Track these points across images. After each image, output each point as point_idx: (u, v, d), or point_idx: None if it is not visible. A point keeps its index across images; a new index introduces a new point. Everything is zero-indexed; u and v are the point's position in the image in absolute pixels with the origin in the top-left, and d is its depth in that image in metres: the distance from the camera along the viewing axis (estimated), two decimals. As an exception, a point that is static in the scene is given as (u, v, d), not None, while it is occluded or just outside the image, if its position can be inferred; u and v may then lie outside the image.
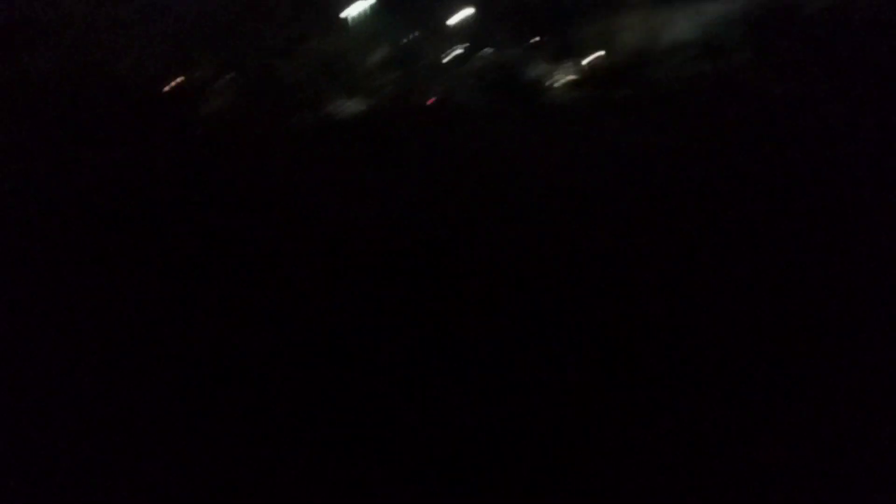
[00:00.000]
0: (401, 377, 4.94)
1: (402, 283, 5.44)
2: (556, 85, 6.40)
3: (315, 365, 5.01)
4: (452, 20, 5.97)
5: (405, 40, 6.02)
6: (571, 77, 6.38)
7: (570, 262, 5.58)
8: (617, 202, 6.00)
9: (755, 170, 5.98)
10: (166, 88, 5.71)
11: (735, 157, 6.03)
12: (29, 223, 5.69)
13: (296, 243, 5.63)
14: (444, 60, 6.09)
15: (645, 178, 6.08)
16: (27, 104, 5.64)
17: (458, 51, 6.13)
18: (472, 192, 6.19)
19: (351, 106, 6.38)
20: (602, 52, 6.34)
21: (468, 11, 6.09)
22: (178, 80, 5.62)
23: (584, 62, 6.29)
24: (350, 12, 5.82)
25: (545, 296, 5.38)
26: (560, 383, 4.82)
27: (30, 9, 5.53)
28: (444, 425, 4.64)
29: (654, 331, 5.02)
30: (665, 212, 5.81)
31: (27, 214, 5.66)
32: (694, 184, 5.99)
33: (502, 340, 5.08)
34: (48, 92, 5.56)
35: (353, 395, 4.84)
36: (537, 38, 6.21)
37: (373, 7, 5.87)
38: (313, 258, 5.52)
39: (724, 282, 5.22)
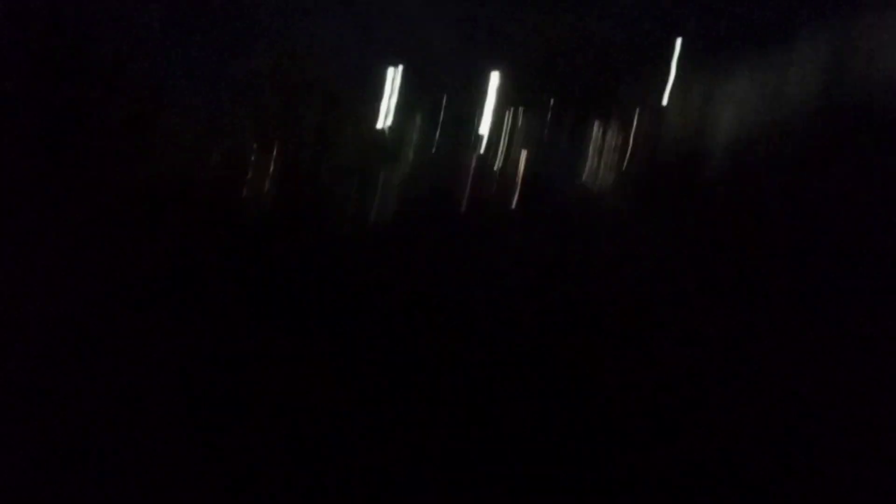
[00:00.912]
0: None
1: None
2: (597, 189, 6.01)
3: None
4: (484, 124, 5.86)
5: (434, 140, 5.91)
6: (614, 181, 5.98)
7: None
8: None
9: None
10: (204, 165, 5.66)
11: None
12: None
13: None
14: (473, 165, 5.90)
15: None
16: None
17: (492, 154, 5.95)
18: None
19: (380, 211, 6.22)
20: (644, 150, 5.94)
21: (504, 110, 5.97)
22: (216, 155, 5.58)
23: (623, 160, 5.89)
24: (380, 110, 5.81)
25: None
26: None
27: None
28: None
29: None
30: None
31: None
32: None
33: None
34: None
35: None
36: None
37: (400, 107, 5.86)
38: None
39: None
